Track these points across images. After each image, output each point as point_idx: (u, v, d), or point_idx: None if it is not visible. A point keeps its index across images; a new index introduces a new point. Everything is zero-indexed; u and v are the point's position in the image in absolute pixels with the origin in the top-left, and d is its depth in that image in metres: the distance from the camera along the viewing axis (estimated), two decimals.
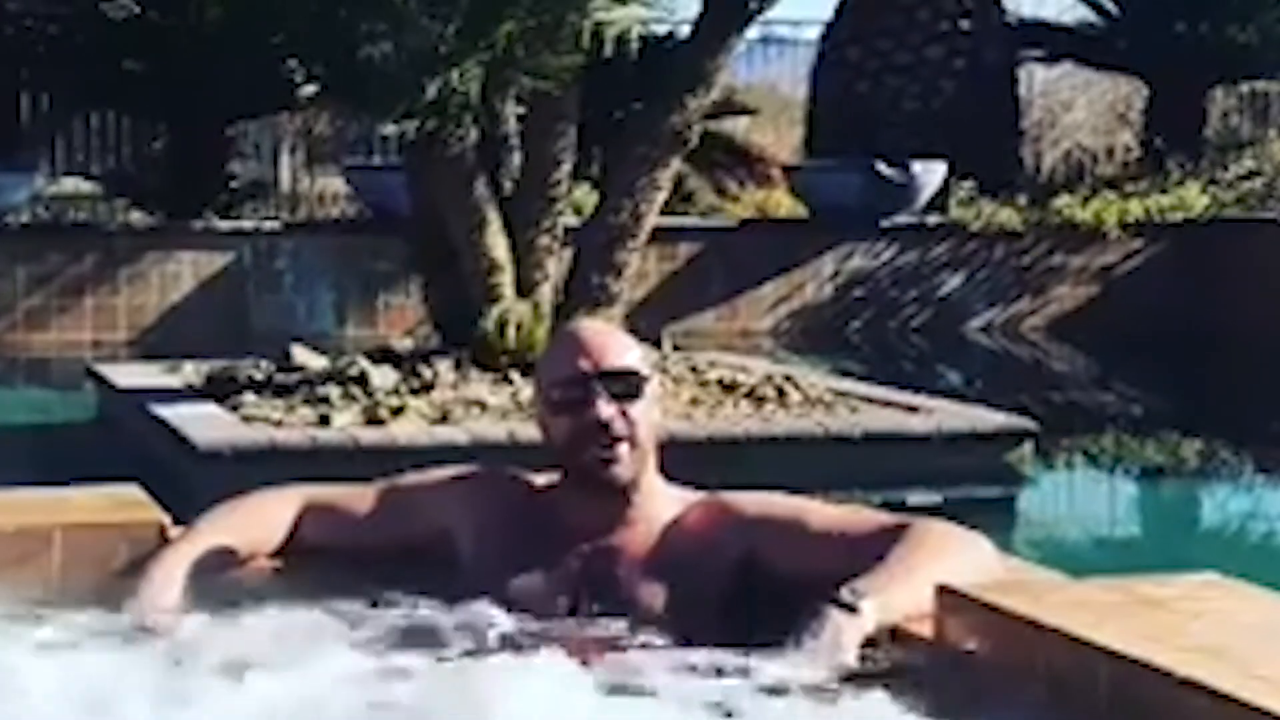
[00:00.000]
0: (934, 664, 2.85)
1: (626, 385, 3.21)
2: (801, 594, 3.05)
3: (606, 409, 3.17)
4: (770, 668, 2.84)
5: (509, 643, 3.03)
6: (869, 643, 2.92)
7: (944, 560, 3.05)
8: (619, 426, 3.18)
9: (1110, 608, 2.74)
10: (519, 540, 3.27)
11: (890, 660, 2.88)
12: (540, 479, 3.38)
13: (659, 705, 2.76)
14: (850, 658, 2.88)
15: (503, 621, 3.11)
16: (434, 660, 2.92)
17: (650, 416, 3.24)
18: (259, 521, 3.41)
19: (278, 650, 2.91)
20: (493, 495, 3.35)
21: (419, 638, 3.03)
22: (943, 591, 2.88)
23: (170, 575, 3.25)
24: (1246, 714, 2.30)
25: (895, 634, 2.96)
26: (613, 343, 3.26)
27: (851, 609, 2.92)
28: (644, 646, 3.03)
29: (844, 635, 2.89)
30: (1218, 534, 8.49)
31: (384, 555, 3.41)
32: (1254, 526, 8.71)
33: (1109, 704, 2.52)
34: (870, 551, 3.09)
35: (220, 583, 3.28)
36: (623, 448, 3.19)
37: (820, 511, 3.27)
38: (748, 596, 3.21)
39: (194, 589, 3.24)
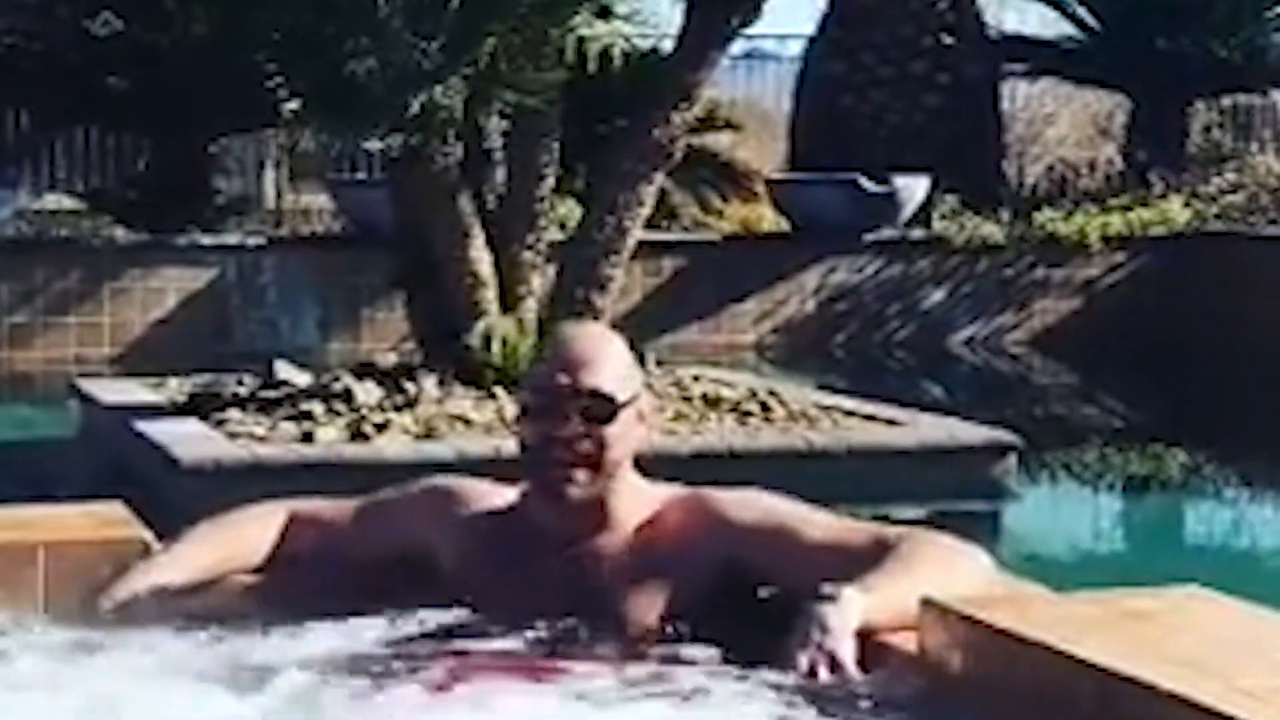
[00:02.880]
0: (917, 678, 2.85)
1: (599, 409, 3.16)
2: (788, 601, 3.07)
3: (571, 429, 3.14)
4: (764, 673, 2.84)
5: (492, 658, 3.02)
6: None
7: (941, 570, 3.03)
8: (583, 447, 3.15)
9: (1094, 621, 2.75)
10: (497, 552, 3.25)
11: (873, 674, 2.88)
12: (514, 489, 3.37)
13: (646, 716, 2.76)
14: (842, 646, 2.86)
15: (485, 637, 3.09)
16: (413, 678, 2.91)
17: (625, 439, 3.19)
18: (240, 535, 3.41)
19: (255, 666, 2.91)
20: (468, 507, 3.33)
21: (401, 655, 3.02)
22: (925, 604, 2.88)
23: (150, 587, 3.25)
24: None
25: (878, 648, 2.96)
26: (599, 362, 3.19)
27: (831, 599, 2.92)
28: (627, 656, 3.01)
29: (829, 622, 2.87)
30: (1201, 546, 8.50)
31: (367, 569, 3.41)
32: (1237, 539, 8.73)
33: (1092, 718, 2.52)
34: (864, 564, 3.07)
35: (199, 596, 3.28)
36: (581, 470, 3.16)
37: (809, 521, 3.22)
38: (731, 601, 3.19)
39: (172, 602, 3.24)
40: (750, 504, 3.24)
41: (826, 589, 2.93)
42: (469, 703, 2.79)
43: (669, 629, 3.12)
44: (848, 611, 2.89)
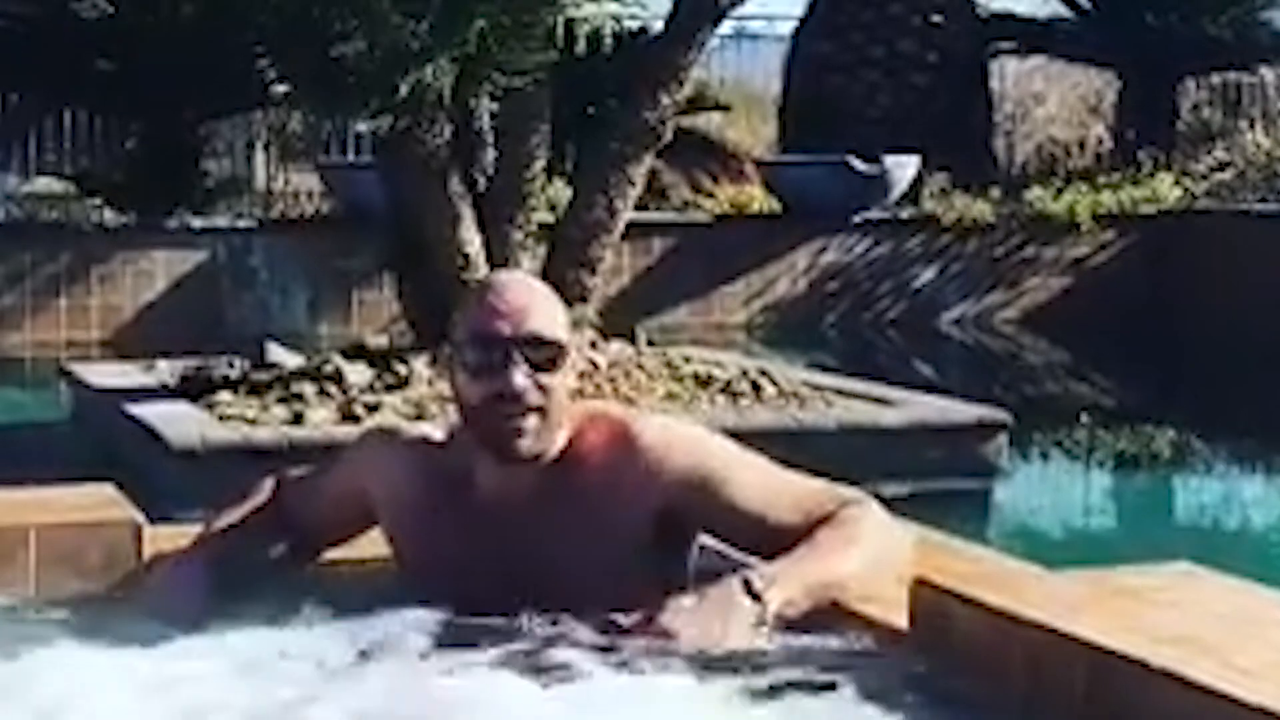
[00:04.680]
0: (910, 657, 2.85)
1: (545, 354, 3.06)
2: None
3: (521, 379, 3.03)
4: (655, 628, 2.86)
5: (434, 631, 2.99)
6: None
7: (858, 558, 3.04)
8: (532, 398, 3.05)
9: (1086, 599, 2.75)
10: (434, 502, 3.18)
11: (865, 652, 2.88)
12: (439, 433, 3.29)
13: (591, 690, 2.75)
14: (742, 640, 2.89)
15: (429, 610, 3.05)
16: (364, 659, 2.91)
17: (566, 385, 3.10)
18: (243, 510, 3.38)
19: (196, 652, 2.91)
20: (403, 457, 3.25)
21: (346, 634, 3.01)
22: (918, 583, 2.88)
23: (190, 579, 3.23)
24: (1223, 704, 2.31)
25: (866, 624, 2.97)
26: (535, 306, 3.09)
27: (757, 598, 2.93)
28: (575, 621, 2.98)
29: (738, 622, 2.90)
30: (1192, 524, 8.51)
31: (338, 535, 3.39)
32: (1228, 516, 8.74)
33: (1086, 695, 2.52)
34: (795, 524, 3.07)
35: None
36: (533, 419, 3.05)
37: (744, 473, 3.15)
38: (668, 552, 3.15)
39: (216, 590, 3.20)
40: (686, 448, 3.14)
41: (756, 581, 2.94)
42: (411, 680, 2.79)
43: (610, 587, 3.05)
44: (760, 612, 2.92)
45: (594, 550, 3.09)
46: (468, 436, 3.16)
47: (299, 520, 3.34)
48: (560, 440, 3.13)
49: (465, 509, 3.16)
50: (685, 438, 3.17)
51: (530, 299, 3.11)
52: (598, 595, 3.03)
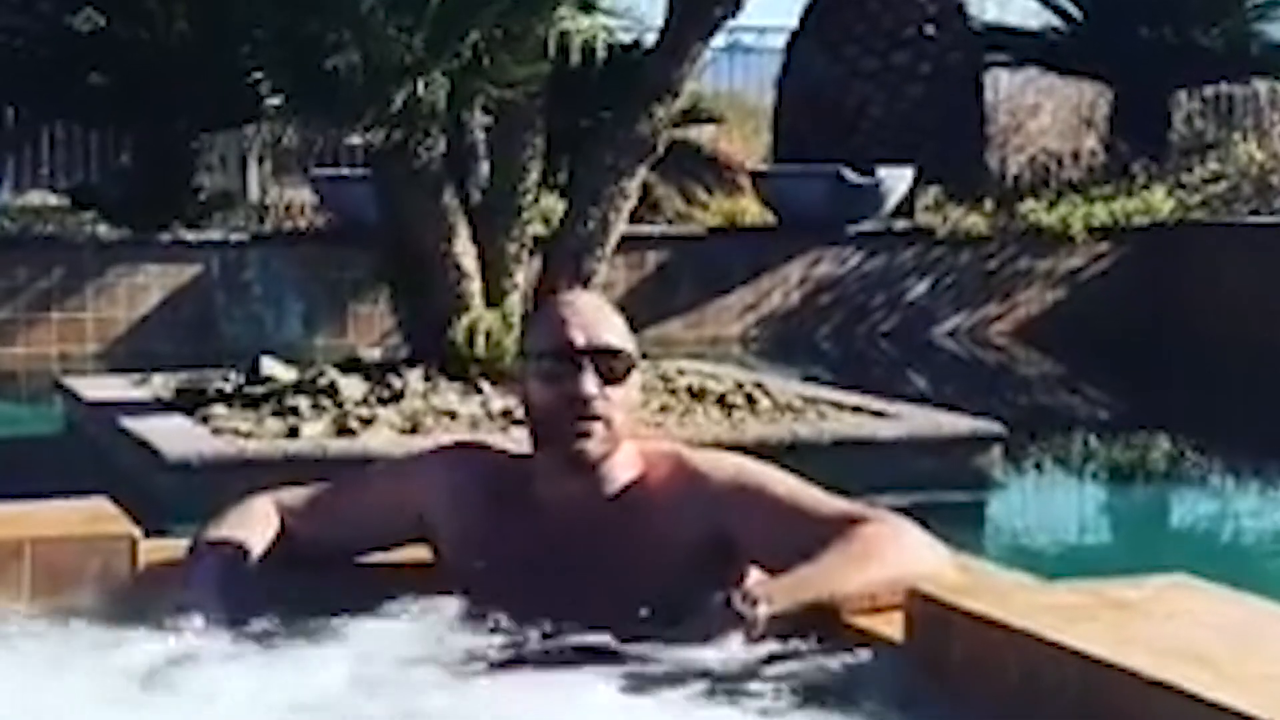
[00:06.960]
0: (903, 667, 2.85)
1: (614, 366, 3.20)
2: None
3: (590, 385, 3.15)
4: (746, 655, 2.87)
5: (495, 644, 3.00)
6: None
7: (864, 576, 3.02)
8: (598, 405, 3.16)
9: (1080, 610, 2.75)
10: (495, 516, 3.24)
11: (857, 663, 2.88)
12: (512, 448, 3.37)
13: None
14: (710, 660, 2.90)
15: (488, 623, 3.07)
16: (408, 663, 2.91)
17: (630, 401, 3.23)
18: (259, 523, 3.37)
19: (256, 664, 2.91)
20: (465, 469, 3.31)
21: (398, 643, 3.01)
22: (912, 595, 2.89)
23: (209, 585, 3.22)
24: (1217, 715, 2.32)
25: (862, 635, 2.97)
26: (605, 320, 3.24)
27: (740, 617, 2.94)
28: (628, 639, 3.01)
29: (717, 639, 2.92)
30: (1186, 535, 8.52)
31: (365, 552, 3.39)
32: (1222, 527, 8.74)
33: (1079, 707, 2.53)
34: (816, 549, 3.07)
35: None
36: (598, 425, 3.16)
37: (794, 501, 3.18)
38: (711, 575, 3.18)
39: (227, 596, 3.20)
40: (739, 478, 3.21)
41: (739, 604, 2.95)
42: (474, 692, 2.79)
43: (662, 605, 3.07)
44: (747, 626, 2.93)
45: (656, 570, 3.15)
46: (537, 459, 3.25)
47: (331, 530, 3.36)
48: (625, 472, 3.22)
49: (532, 527, 3.21)
50: (740, 468, 3.25)
51: (600, 314, 3.27)
52: (660, 612, 3.07)
